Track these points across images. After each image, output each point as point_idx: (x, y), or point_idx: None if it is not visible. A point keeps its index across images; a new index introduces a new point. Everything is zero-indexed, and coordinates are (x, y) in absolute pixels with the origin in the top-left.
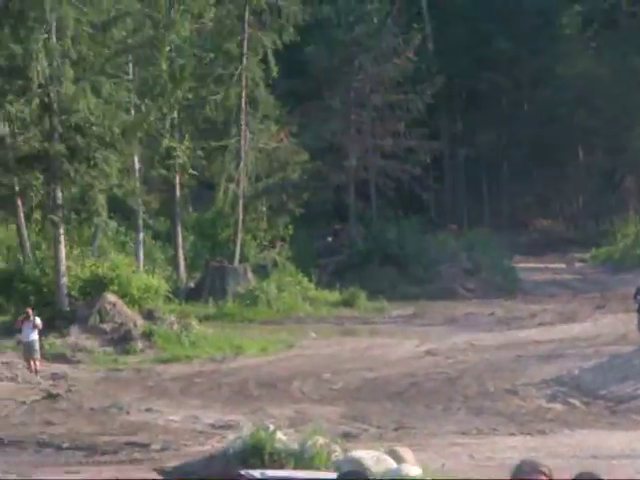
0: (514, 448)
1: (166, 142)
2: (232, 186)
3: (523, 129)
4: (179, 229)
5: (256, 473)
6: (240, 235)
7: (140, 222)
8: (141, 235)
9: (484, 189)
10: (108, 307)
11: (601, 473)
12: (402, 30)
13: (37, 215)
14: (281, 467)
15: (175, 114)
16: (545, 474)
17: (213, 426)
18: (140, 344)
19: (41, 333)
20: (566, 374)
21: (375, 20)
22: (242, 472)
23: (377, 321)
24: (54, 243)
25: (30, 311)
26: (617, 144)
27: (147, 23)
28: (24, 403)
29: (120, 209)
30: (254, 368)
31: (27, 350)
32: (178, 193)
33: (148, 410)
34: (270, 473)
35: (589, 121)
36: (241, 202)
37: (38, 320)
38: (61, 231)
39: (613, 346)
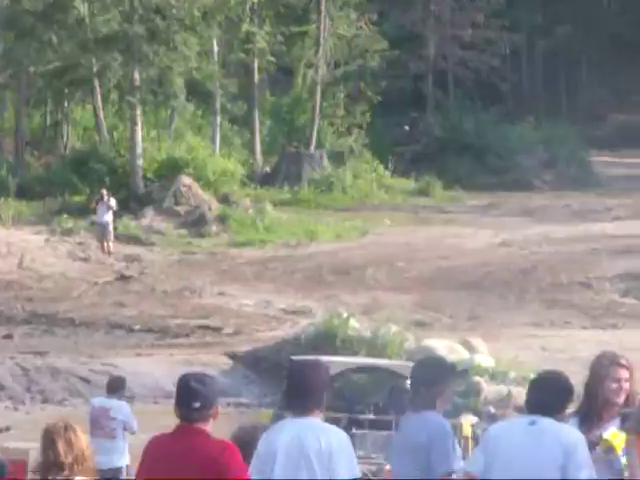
0: (586, 341)
1: (246, 26)
2: (310, 72)
3: (602, 24)
4: (256, 113)
5: (310, 358)
6: (317, 121)
7: (217, 105)
8: (218, 119)
9: (562, 82)
10: (183, 190)
11: None
12: None
13: (114, 96)
14: (353, 354)
15: None
16: (625, 366)
17: (285, 311)
18: (214, 227)
19: (115, 215)
20: None
21: None
22: (293, 358)
23: (452, 210)
24: (131, 125)
25: (104, 192)
26: None
27: None
28: (96, 284)
29: (198, 92)
30: (328, 254)
31: (101, 231)
32: (256, 78)
33: (221, 294)
34: (326, 358)
35: None
36: (319, 88)
37: (113, 201)
38: (138, 113)
39: None
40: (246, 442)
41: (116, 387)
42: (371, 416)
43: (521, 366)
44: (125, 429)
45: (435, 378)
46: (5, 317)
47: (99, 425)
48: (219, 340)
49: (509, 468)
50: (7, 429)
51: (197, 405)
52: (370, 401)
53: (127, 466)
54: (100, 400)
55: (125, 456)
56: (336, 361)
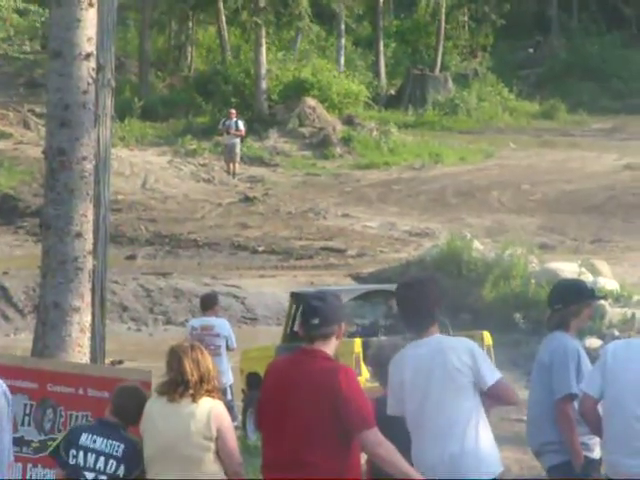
0: None
1: None
2: None
3: None
4: (380, 35)
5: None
6: (441, 43)
7: (342, 27)
8: (342, 40)
9: None
10: (308, 111)
11: None
12: None
13: (244, 16)
14: (477, 276)
15: None
16: None
17: (410, 233)
18: (339, 149)
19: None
20: None
21: None
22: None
23: (576, 134)
24: (255, 46)
25: (234, 112)
26: None
27: None
28: (220, 205)
29: (322, 14)
30: (452, 177)
31: (228, 152)
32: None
33: (345, 215)
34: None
35: None
36: (443, 10)
37: (241, 124)
38: (263, 34)
39: None
40: (387, 361)
41: (213, 304)
42: (383, 337)
43: None
44: (228, 346)
45: (568, 299)
46: (128, 238)
47: (204, 344)
48: (343, 262)
49: (626, 386)
50: (120, 362)
51: (316, 322)
52: (377, 323)
53: (231, 386)
54: (200, 320)
55: (229, 375)
56: (343, 289)
